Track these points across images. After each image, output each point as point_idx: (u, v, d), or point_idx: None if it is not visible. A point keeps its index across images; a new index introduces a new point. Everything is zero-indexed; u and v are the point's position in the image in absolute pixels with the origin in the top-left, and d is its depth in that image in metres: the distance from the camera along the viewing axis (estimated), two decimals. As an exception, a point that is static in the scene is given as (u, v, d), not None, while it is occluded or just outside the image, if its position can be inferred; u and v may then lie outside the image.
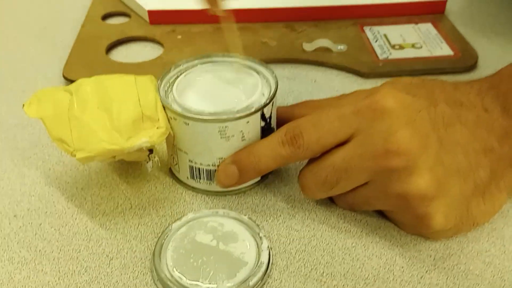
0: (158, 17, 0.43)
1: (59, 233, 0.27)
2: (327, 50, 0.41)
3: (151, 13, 0.43)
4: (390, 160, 0.23)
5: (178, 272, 0.24)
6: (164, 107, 0.27)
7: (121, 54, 0.41)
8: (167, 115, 0.27)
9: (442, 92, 0.26)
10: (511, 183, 0.27)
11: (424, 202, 0.24)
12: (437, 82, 0.27)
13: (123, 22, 0.44)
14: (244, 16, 0.43)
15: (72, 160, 0.30)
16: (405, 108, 0.24)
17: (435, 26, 0.44)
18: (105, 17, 0.45)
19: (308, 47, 0.41)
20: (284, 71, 0.39)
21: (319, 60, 0.40)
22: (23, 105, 0.26)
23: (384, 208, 0.26)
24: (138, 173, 0.30)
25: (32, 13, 0.47)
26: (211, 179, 0.28)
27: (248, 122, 0.26)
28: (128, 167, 0.30)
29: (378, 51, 0.40)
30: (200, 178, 0.28)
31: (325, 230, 0.27)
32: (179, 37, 0.42)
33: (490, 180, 0.26)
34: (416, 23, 0.44)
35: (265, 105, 0.27)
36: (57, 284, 0.24)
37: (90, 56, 0.39)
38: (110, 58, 0.39)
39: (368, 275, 0.24)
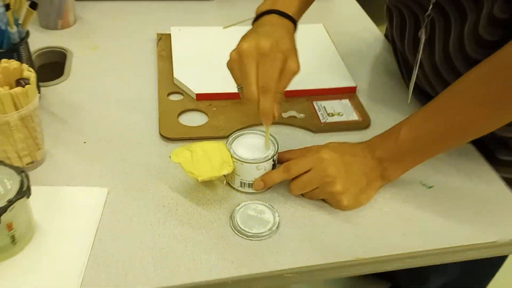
0: (202, 97, 0.77)
1: (186, 213, 0.61)
2: (294, 117, 0.77)
3: (198, 94, 0.77)
4: (326, 179, 0.60)
5: (243, 226, 0.59)
6: (231, 156, 0.61)
7: (185, 120, 0.74)
8: (232, 160, 0.62)
9: (347, 149, 0.63)
10: (376, 187, 0.64)
11: (339, 195, 0.60)
12: (346, 144, 0.64)
13: (180, 98, 0.78)
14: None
15: (184, 180, 0.64)
16: (332, 158, 0.61)
17: (350, 101, 0.81)
18: (168, 94, 0.79)
19: (285, 115, 0.77)
20: (272, 129, 0.74)
21: (290, 123, 0.76)
22: (170, 156, 0.60)
23: (323, 197, 0.63)
24: (212, 184, 0.65)
25: (123, 95, 0.80)
26: (250, 187, 0.63)
27: (267, 162, 0.62)
28: (207, 183, 0.65)
29: (321, 117, 0.77)
30: (245, 187, 0.63)
31: (299, 208, 0.62)
32: (214, 109, 0.76)
33: (367, 186, 0.62)
34: (340, 99, 0.81)
35: (274, 155, 0.62)
36: (193, 230, 0.58)
37: (170, 122, 0.73)
38: (181, 123, 0.73)
39: (319, 224, 0.60)
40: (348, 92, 0.83)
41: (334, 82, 0.83)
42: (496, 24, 0.58)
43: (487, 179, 0.69)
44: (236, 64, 0.58)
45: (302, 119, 0.76)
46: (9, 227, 0.52)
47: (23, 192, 0.52)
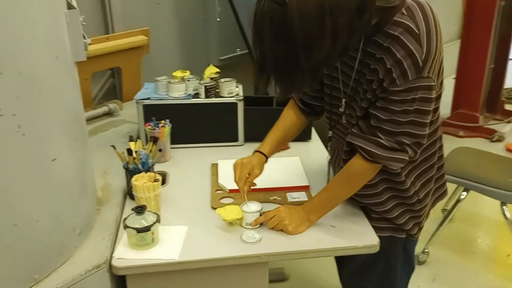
0: (231, 191, 1.61)
1: (222, 235, 1.40)
2: (275, 199, 1.58)
3: (230, 190, 1.61)
4: (281, 219, 1.40)
5: (245, 239, 1.38)
6: (242, 210, 1.43)
7: (223, 201, 1.57)
8: (242, 212, 1.43)
9: (292, 207, 1.44)
10: (306, 225, 1.43)
11: (287, 226, 1.40)
12: (293, 206, 1.45)
13: (221, 192, 1.62)
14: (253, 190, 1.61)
15: (220, 222, 1.44)
16: (284, 210, 1.42)
17: (305, 192, 1.62)
18: (215, 190, 1.63)
19: (271, 198, 1.58)
20: (264, 204, 1.55)
21: (273, 202, 1.56)
22: (215, 211, 1.43)
23: (281, 228, 1.41)
24: (232, 224, 1.45)
25: (195, 191, 1.65)
26: (249, 225, 1.43)
27: (258, 213, 1.43)
28: (231, 223, 1.45)
29: (289, 199, 1.58)
30: (247, 225, 1.43)
31: (270, 233, 1.41)
32: (238, 195, 1.59)
33: (301, 223, 1.42)
34: (300, 191, 1.62)
35: (260, 210, 1.44)
36: (226, 241, 1.38)
37: (216, 201, 1.56)
38: (221, 202, 1.56)
39: (278, 239, 1.38)
40: (304, 188, 1.64)
41: (298, 183, 1.65)
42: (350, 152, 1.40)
43: (362, 223, 1.45)
44: (234, 167, 1.46)
45: (279, 200, 1.58)
46: (152, 233, 1.34)
47: (157, 220, 1.36)
